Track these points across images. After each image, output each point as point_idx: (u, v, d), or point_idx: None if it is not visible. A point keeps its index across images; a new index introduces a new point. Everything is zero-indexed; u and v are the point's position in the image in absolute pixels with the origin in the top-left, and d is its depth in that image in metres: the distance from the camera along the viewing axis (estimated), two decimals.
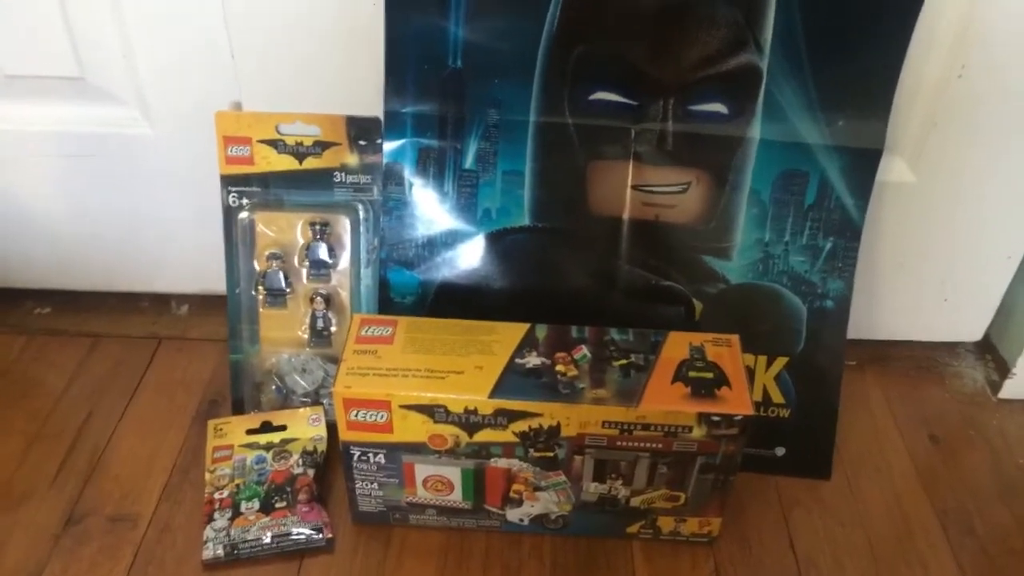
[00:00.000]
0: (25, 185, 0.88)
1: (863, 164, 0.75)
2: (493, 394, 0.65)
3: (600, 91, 0.74)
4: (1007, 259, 0.86)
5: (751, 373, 0.80)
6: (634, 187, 0.76)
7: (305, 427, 0.81)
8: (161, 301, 0.99)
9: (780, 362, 0.80)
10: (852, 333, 0.82)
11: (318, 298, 0.81)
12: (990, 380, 0.93)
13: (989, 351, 0.95)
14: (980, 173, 0.80)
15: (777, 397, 0.80)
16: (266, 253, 0.80)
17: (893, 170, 0.80)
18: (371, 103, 0.76)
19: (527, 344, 0.69)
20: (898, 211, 0.83)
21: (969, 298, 0.90)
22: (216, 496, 0.76)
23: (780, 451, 0.81)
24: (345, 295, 0.82)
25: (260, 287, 0.81)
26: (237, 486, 0.76)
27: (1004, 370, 0.91)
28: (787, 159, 0.75)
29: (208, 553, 0.72)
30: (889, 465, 0.84)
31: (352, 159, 0.78)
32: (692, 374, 0.67)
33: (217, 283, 0.83)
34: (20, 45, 0.80)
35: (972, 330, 0.94)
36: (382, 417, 0.67)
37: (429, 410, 0.66)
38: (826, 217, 0.77)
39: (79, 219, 0.91)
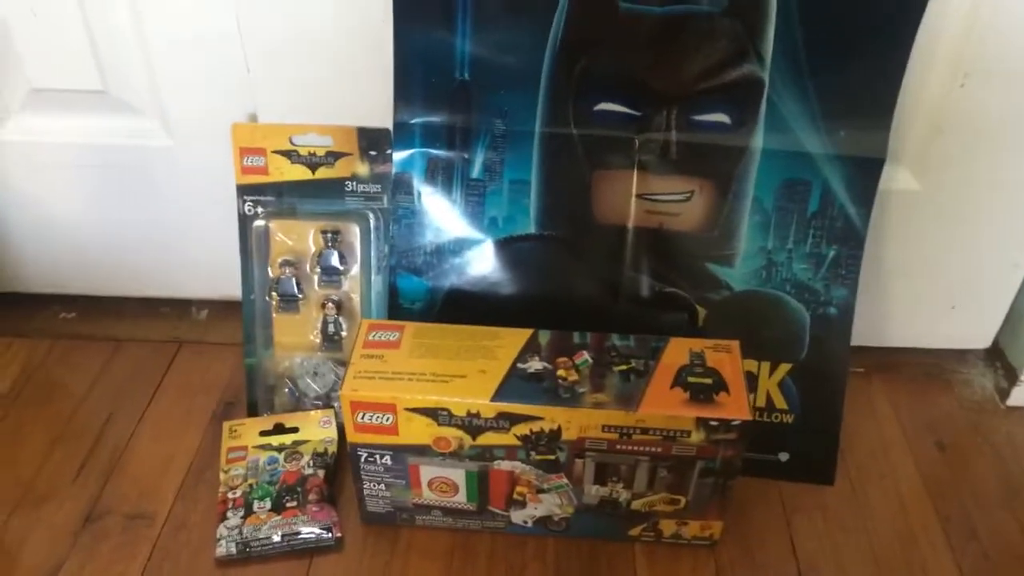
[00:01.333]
0: (51, 194, 0.92)
1: (865, 173, 0.76)
2: (495, 398, 0.67)
3: (604, 102, 0.76)
4: (1014, 267, 0.86)
5: (754, 379, 0.80)
6: (638, 196, 0.78)
7: (316, 429, 0.83)
8: (182, 306, 1.01)
9: (783, 368, 0.80)
10: (860, 340, 0.82)
11: (329, 304, 0.83)
12: (999, 387, 0.93)
13: (998, 358, 0.94)
14: (985, 181, 0.81)
15: (780, 403, 0.81)
16: (279, 260, 0.83)
17: (897, 179, 0.81)
18: (381, 114, 0.78)
19: (530, 349, 0.71)
20: (903, 219, 0.83)
21: (977, 305, 0.90)
22: (230, 495, 0.78)
23: (784, 456, 0.82)
24: (356, 300, 0.84)
25: (274, 293, 0.83)
26: (250, 486, 0.78)
27: (1013, 377, 0.91)
28: (789, 168, 0.76)
29: (221, 550, 0.74)
30: (894, 471, 0.84)
31: (363, 169, 0.80)
32: (691, 379, 0.68)
33: (235, 289, 0.85)
34: (46, 60, 0.83)
35: (981, 337, 0.94)
36: (388, 420, 0.69)
37: (433, 413, 0.68)
38: (829, 225, 0.77)
39: (103, 227, 0.94)
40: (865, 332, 0.87)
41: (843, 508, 0.80)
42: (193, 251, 0.95)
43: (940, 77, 0.76)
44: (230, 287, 0.93)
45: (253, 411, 0.86)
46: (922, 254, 0.86)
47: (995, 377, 0.94)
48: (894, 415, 0.90)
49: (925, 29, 0.71)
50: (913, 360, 0.95)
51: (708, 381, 0.68)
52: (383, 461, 0.72)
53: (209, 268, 0.96)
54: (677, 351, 0.71)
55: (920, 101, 0.77)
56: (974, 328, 0.93)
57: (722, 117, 0.75)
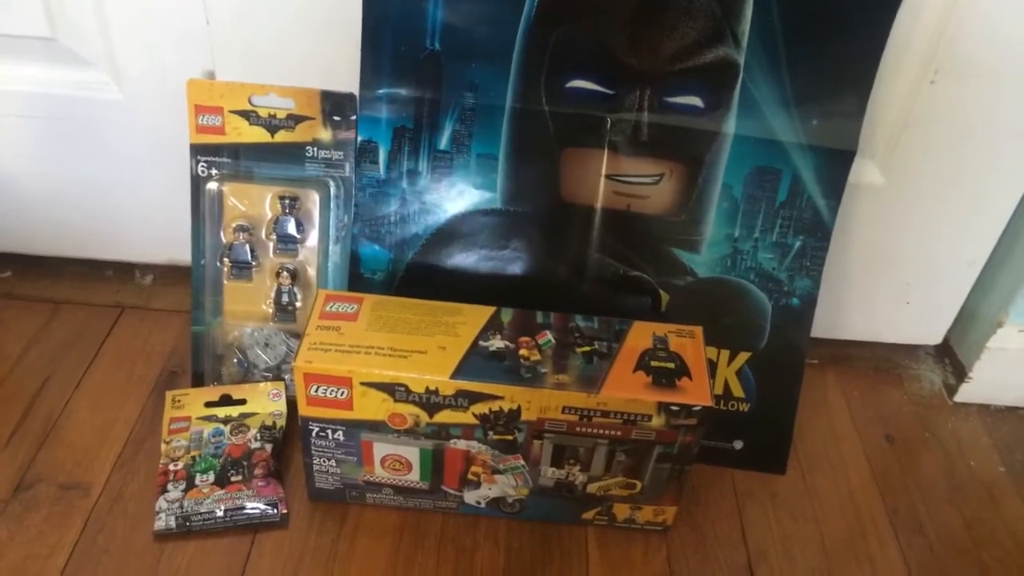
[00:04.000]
0: None
1: (835, 164, 0.76)
2: (455, 375, 0.65)
3: (577, 79, 0.74)
4: (969, 265, 0.87)
5: (713, 366, 0.80)
6: (607, 176, 0.77)
7: (265, 402, 0.80)
8: (125, 270, 0.97)
9: (743, 357, 0.80)
10: (815, 332, 0.83)
11: (284, 273, 0.80)
12: (947, 384, 0.95)
13: (948, 355, 0.96)
14: (947, 179, 0.81)
15: (738, 391, 0.81)
16: (233, 225, 0.79)
17: (863, 172, 0.81)
18: (347, 78, 0.76)
19: (492, 327, 0.69)
20: (866, 213, 0.83)
21: (930, 302, 0.91)
22: (171, 467, 0.75)
23: (738, 444, 0.82)
24: (312, 271, 0.81)
25: (226, 259, 0.80)
26: (193, 458, 0.76)
27: (961, 374, 0.93)
28: (760, 155, 0.75)
29: (160, 524, 0.71)
30: (844, 463, 0.85)
31: (325, 134, 0.78)
32: (654, 363, 0.68)
33: (183, 253, 0.82)
34: None
35: (932, 334, 0.95)
36: (342, 394, 0.67)
37: (390, 388, 0.66)
38: (797, 215, 0.77)
39: (44, 183, 0.89)
40: (820, 324, 0.87)
41: (794, 497, 0.81)
42: (140, 212, 0.91)
43: (911, 72, 0.76)
44: (177, 251, 0.90)
45: (199, 381, 0.83)
46: (881, 249, 0.87)
47: (944, 374, 0.96)
48: (846, 407, 0.91)
49: (899, 24, 0.71)
50: (866, 353, 0.96)
51: (671, 366, 0.68)
52: (335, 436, 0.70)
53: (156, 231, 0.92)
54: (640, 334, 0.70)
55: (890, 95, 0.77)
56: (926, 324, 0.94)
57: (695, 100, 0.74)
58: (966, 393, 0.92)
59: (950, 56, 0.74)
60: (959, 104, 0.76)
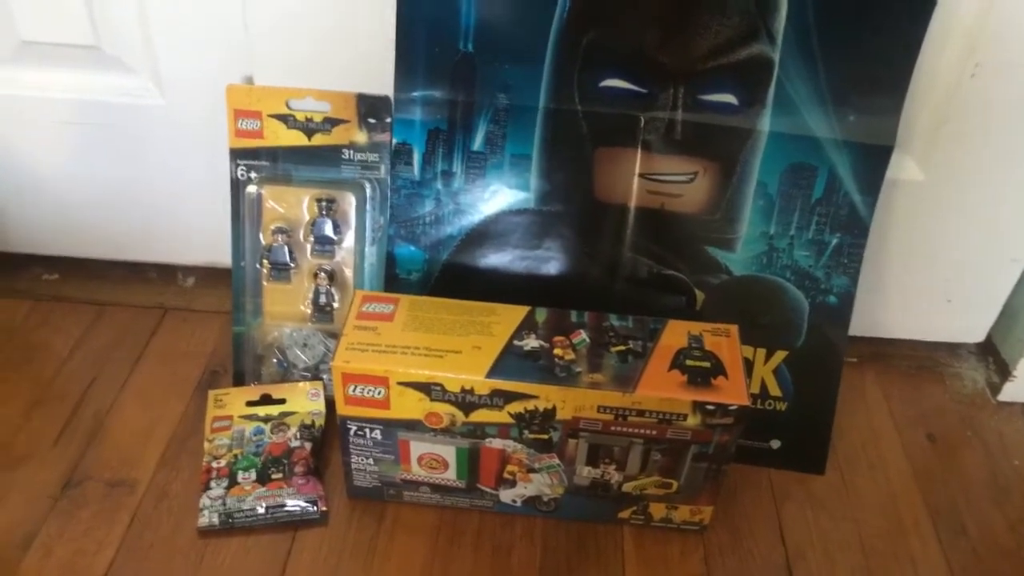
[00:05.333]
0: (37, 151, 0.89)
1: (873, 160, 0.75)
2: (490, 374, 0.66)
3: (610, 78, 0.74)
4: (1012, 262, 0.86)
5: (750, 365, 0.80)
6: (641, 175, 0.77)
7: (304, 401, 0.82)
8: (168, 272, 0.99)
9: (779, 355, 0.80)
10: (854, 330, 0.82)
11: (322, 274, 0.81)
12: (990, 382, 0.93)
13: (991, 353, 0.94)
14: (989, 174, 0.80)
15: (774, 390, 0.80)
16: (272, 227, 0.81)
17: (902, 168, 0.80)
18: (382, 81, 0.76)
19: (526, 327, 0.70)
20: (905, 209, 0.82)
21: (973, 299, 0.90)
22: (214, 465, 0.76)
23: (775, 444, 0.81)
24: (349, 272, 0.82)
25: (265, 261, 0.81)
26: (235, 456, 0.77)
27: (1005, 373, 0.91)
28: (796, 152, 0.75)
29: (203, 521, 0.73)
30: (884, 462, 0.84)
31: (361, 137, 0.79)
32: (689, 363, 0.67)
33: (224, 255, 0.83)
34: (37, 11, 0.80)
35: (974, 331, 0.93)
36: (380, 393, 0.67)
37: (426, 388, 0.67)
38: (833, 212, 0.77)
39: (90, 187, 0.91)
40: (860, 322, 0.86)
41: (833, 497, 0.80)
42: (181, 215, 0.92)
43: (951, 65, 0.75)
44: (218, 254, 0.92)
45: (240, 381, 0.85)
46: (921, 245, 0.86)
47: (987, 372, 0.94)
48: (886, 406, 0.90)
49: (939, 16, 0.70)
50: (906, 352, 0.95)
51: (706, 365, 0.67)
52: (373, 435, 0.71)
53: (197, 234, 0.94)
54: (675, 333, 0.70)
55: (929, 89, 0.76)
56: (968, 322, 0.93)
57: (730, 97, 0.74)
58: (1010, 392, 0.91)
59: (991, 48, 0.73)
60: (1001, 98, 0.75)
